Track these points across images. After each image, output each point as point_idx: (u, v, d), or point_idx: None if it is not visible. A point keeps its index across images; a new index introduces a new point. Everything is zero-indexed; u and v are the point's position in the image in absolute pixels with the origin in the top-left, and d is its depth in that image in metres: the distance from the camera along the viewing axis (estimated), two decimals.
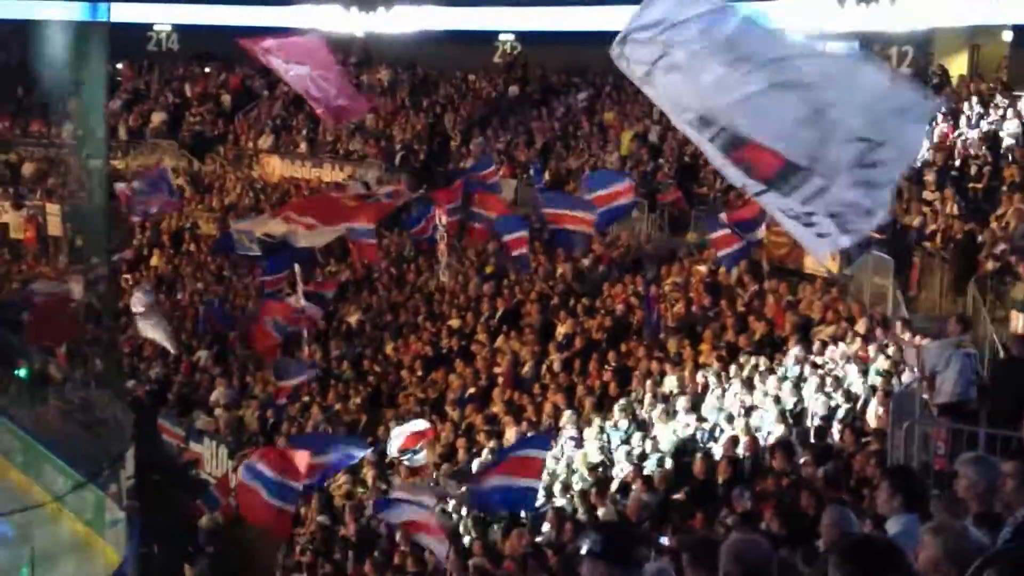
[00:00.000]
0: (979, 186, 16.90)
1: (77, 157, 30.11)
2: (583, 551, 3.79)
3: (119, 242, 27.01)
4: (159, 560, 14.74)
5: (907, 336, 13.07)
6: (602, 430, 13.86)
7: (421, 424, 14.98)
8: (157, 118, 33.42)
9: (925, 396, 10.70)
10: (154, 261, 26.70)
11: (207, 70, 35.16)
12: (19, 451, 19.95)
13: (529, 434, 13.71)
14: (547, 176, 23.06)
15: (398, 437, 14.81)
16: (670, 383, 14.40)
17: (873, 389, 12.07)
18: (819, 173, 4.10)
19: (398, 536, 13.41)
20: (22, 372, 22.58)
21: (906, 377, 11.85)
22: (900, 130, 4.16)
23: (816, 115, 4.09)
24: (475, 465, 13.91)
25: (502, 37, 30.91)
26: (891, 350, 12.84)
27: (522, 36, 30.43)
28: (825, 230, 4.19)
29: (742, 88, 4.07)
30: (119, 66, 35.45)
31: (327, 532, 14.41)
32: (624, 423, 13.88)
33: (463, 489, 12.36)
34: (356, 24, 32.45)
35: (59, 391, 21.94)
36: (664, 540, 10.08)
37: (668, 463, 12.37)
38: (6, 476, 19.81)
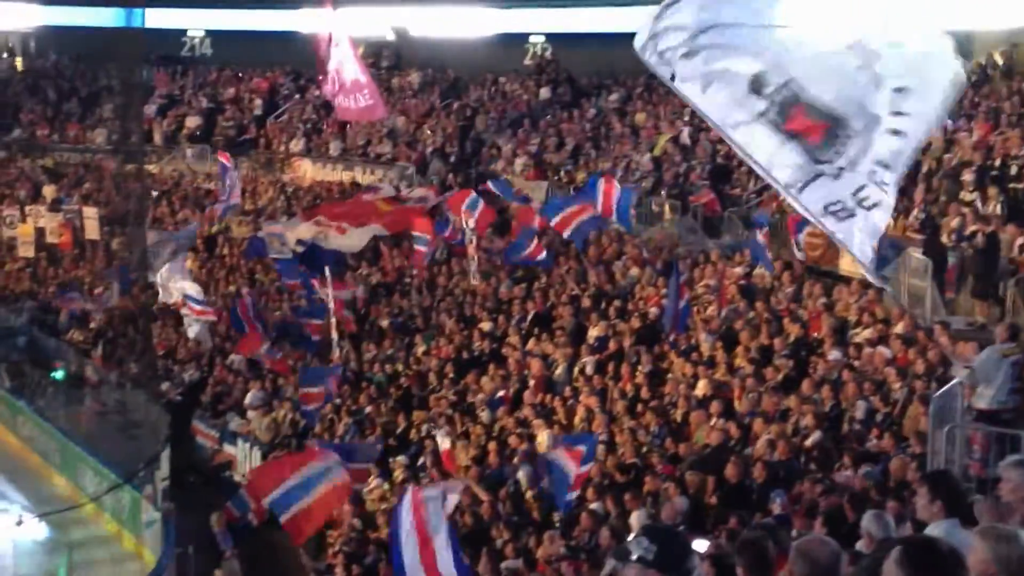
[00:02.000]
0: (1019, 186, 16.65)
1: (113, 161, 30.39)
2: (633, 557, 3.65)
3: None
4: (194, 561, 14.80)
5: (945, 340, 12.89)
6: (634, 433, 13.77)
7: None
8: (191, 122, 33.71)
9: (967, 400, 10.55)
10: (187, 264, 26.87)
11: (240, 75, 35.42)
12: (56, 452, 20.16)
13: (580, 438, 13.72)
14: (580, 177, 23.02)
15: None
16: (703, 386, 14.28)
17: (912, 392, 11.92)
18: (861, 130, 4.05)
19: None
20: (59, 374, 22.84)
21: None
22: (932, 86, 4.12)
23: (864, 66, 4.03)
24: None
25: (533, 39, 30.89)
26: (931, 354, 12.66)
27: (553, 38, 30.39)
28: (876, 199, 4.10)
29: (798, 40, 4.02)
30: (154, 71, 35.81)
31: (360, 535, 14.41)
32: (657, 426, 13.79)
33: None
34: (387, 27, 32.58)
35: (95, 393, 22.17)
36: (698, 545, 10.00)
37: (701, 467, 12.26)
38: (43, 477, 20.03)
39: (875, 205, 4.15)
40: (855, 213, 4.13)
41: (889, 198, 4.16)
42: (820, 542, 4.37)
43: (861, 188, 4.10)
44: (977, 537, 4.05)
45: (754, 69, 4.08)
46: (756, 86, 4.09)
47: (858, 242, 4.18)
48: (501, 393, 16.20)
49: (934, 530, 5.25)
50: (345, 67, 19.86)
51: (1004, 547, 3.89)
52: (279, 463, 14.13)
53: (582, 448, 11.85)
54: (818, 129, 4.08)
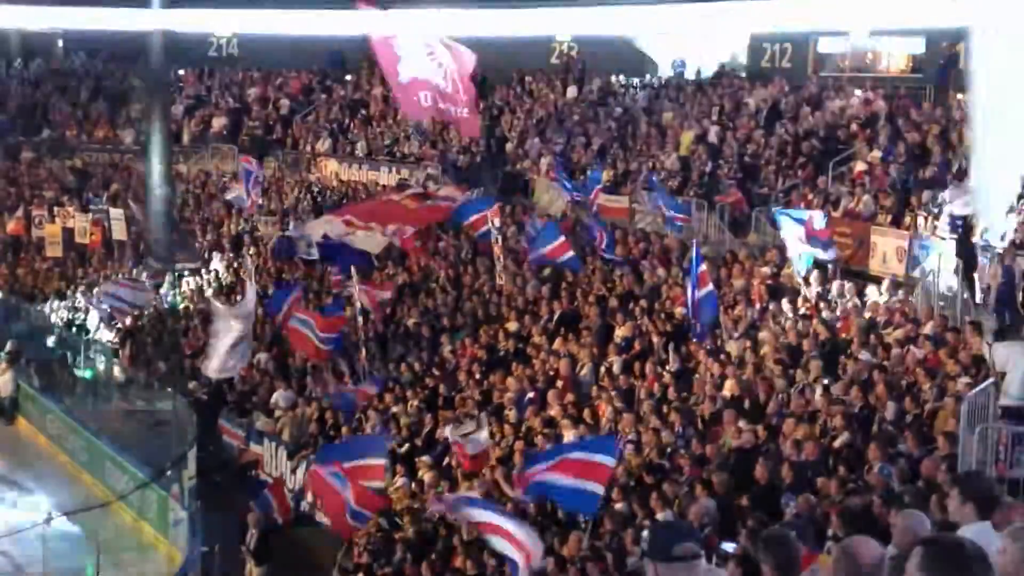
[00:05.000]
0: None
1: (141, 162, 30.63)
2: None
3: (186, 254, 27.45)
4: (220, 560, 14.85)
5: (976, 340, 12.71)
6: (658, 433, 13.68)
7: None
8: (218, 123, 33.90)
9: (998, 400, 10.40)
10: (214, 264, 27.02)
11: (268, 75, 35.60)
12: (84, 451, 20.30)
13: (593, 437, 13.58)
14: (605, 177, 22.92)
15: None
16: (730, 386, 14.17)
17: (943, 392, 11.77)
18: None
19: (456, 539, 13.38)
20: (86, 373, 23.02)
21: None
22: None
23: None
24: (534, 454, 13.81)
25: (559, 39, 30.81)
26: (961, 354, 12.50)
27: (579, 37, 30.30)
28: None
29: None
30: (181, 72, 36.04)
31: (386, 534, 14.40)
32: (682, 427, 13.69)
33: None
34: (416, 28, 32.56)
35: (123, 392, 22.31)
36: (727, 546, 9.92)
37: (730, 468, 12.15)
38: (72, 476, 20.17)
39: None
40: None
41: None
42: (864, 542, 4.28)
43: None
44: (1008, 538, 3.97)
45: None
46: None
47: None
48: (531, 394, 16.13)
49: (966, 532, 5.16)
50: (447, 75, 19.25)
51: None
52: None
53: (607, 463, 11.57)
54: None
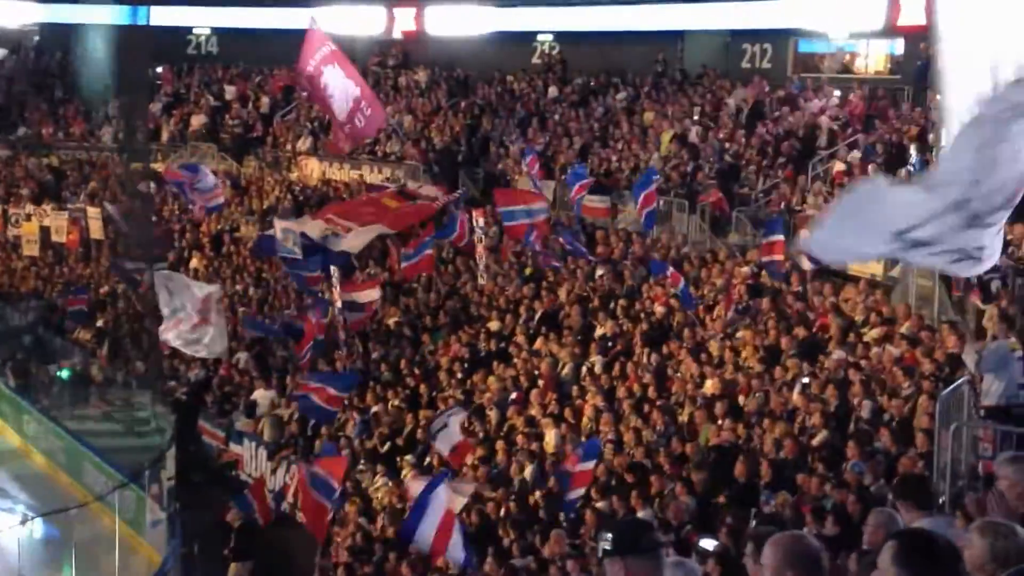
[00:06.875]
0: None
1: (119, 160, 30.44)
2: (599, 554, 3.83)
3: (162, 249, 27.25)
4: (199, 561, 14.78)
5: (953, 339, 12.81)
6: (640, 433, 13.72)
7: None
8: (197, 121, 33.70)
9: (975, 398, 10.49)
10: (194, 263, 26.88)
11: (246, 73, 35.42)
12: (61, 452, 20.16)
13: (580, 442, 13.69)
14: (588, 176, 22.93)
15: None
16: (711, 385, 14.23)
17: (918, 390, 11.85)
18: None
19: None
20: (64, 373, 22.85)
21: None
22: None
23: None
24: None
25: (540, 38, 30.82)
26: (937, 353, 12.59)
27: (561, 36, 30.32)
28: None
29: None
30: (159, 69, 35.82)
31: (366, 533, 14.38)
32: (663, 426, 13.74)
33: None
34: (394, 26, 32.55)
35: (101, 392, 22.17)
36: (706, 543, 9.96)
37: (709, 466, 12.21)
38: (49, 476, 20.03)
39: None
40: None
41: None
42: (798, 537, 4.20)
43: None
44: (975, 533, 4.02)
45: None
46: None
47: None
48: (515, 395, 16.14)
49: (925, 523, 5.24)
50: (346, 90, 19.56)
51: (1002, 542, 3.86)
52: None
53: (589, 468, 11.84)
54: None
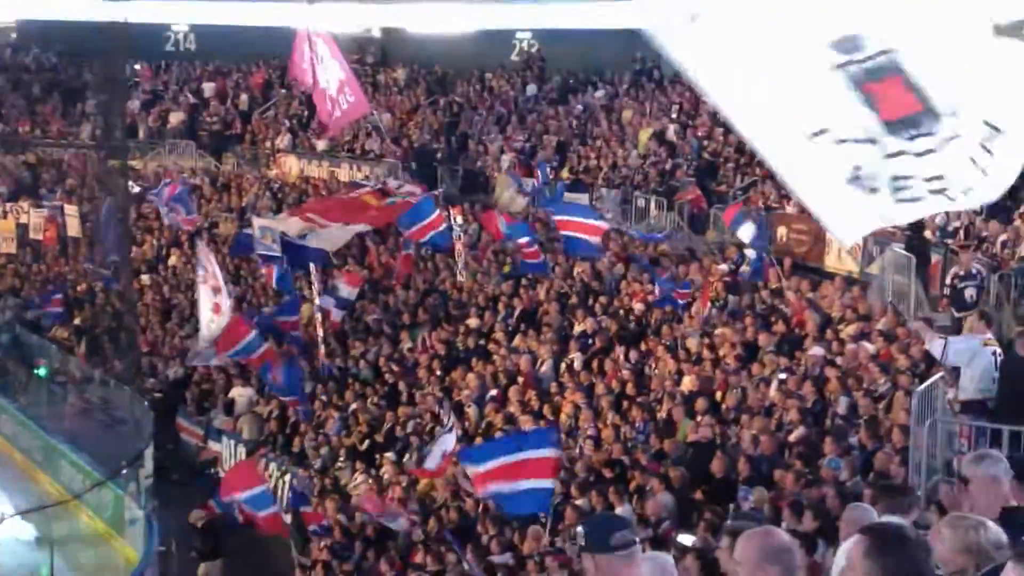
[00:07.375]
0: None
1: (96, 158, 30.20)
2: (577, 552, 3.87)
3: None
4: (177, 559, 14.75)
5: (928, 335, 12.92)
6: (619, 429, 13.78)
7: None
8: (175, 118, 33.53)
9: (948, 394, 10.58)
10: (172, 260, 26.77)
11: (224, 70, 35.27)
12: (39, 450, 20.05)
13: (531, 431, 13.50)
14: (565, 174, 22.99)
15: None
16: (689, 382, 14.30)
17: (895, 387, 11.96)
18: (953, 126, 3.61)
19: (415, 535, 13.40)
20: (42, 371, 22.70)
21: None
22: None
23: (977, 72, 3.45)
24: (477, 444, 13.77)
25: (519, 35, 30.83)
26: (913, 349, 12.70)
27: (539, 34, 30.34)
28: (913, 195, 3.75)
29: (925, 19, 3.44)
30: (137, 66, 35.58)
31: (345, 530, 14.38)
32: (642, 422, 13.81)
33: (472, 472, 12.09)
34: (373, 23, 32.48)
35: (79, 390, 22.04)
36: (684, 539, 10.02)
37: (687, 462, 12.28)
38: (26, 475, 19.91)
39: (941, 191, 3.80)
40: (921, 196, 3.77)
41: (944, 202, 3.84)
42: (767, 531, 4.18)
43: (937, 178, 3.77)
44: (946, 526, 4.04)
45: (854, 30, 3.42)
46: (848, 46, 3.44)
47: (857, 215, 3.81)
48: (494, 392, 16.15)
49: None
50: (331, 74, 19.56)
51: (973, 535, 3.89)
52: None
53: (551, 455, 11.50)
54: (909, 106, 3.55)
